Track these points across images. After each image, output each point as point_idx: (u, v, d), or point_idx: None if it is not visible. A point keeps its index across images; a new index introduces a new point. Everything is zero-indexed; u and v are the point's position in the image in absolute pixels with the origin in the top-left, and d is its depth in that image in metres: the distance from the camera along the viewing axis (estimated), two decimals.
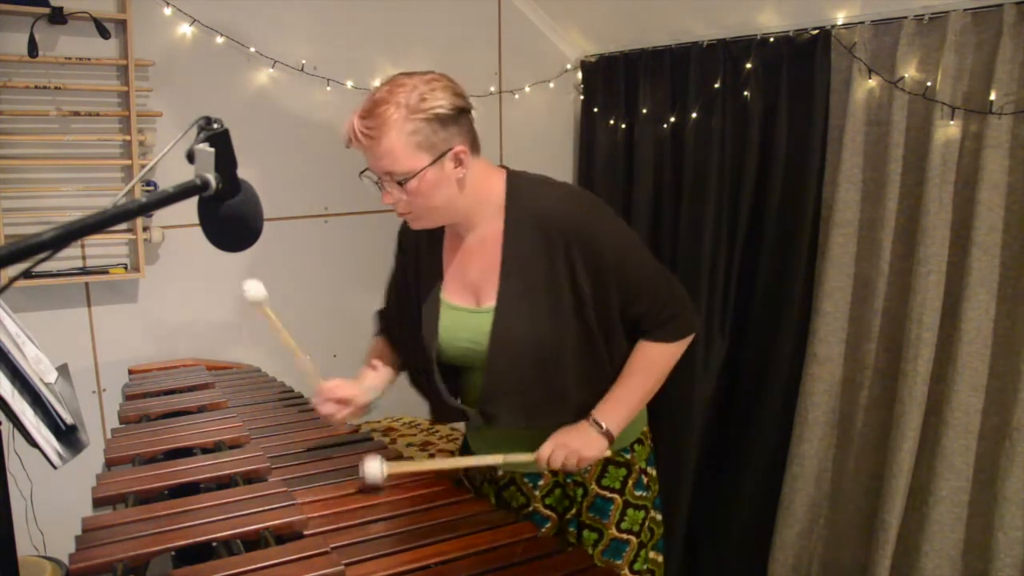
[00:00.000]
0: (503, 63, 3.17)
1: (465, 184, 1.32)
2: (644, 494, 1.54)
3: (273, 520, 1.28)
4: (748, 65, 2.43)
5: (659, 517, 1.59)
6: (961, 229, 1.99)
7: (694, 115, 2.63)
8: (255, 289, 1.35)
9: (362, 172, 1.33)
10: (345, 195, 2.93)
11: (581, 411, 1.42)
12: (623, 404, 1.43)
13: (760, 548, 2.53)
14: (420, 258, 1.50)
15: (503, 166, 1.42)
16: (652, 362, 1.44)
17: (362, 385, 1.47)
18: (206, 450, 1.67)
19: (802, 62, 2.30)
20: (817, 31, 2.25)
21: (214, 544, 1.24)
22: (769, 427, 2.49)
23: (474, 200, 1.35)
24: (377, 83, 2.88)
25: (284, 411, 1.96)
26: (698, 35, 2.62)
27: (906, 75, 2.03)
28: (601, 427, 1.40)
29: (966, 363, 1.96)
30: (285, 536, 1.26)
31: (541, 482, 1.51)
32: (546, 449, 1.39)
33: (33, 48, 2.24)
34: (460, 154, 1.28)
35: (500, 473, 1.54)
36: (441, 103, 1.25)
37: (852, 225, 2.24)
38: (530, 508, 1.53)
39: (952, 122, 1.94)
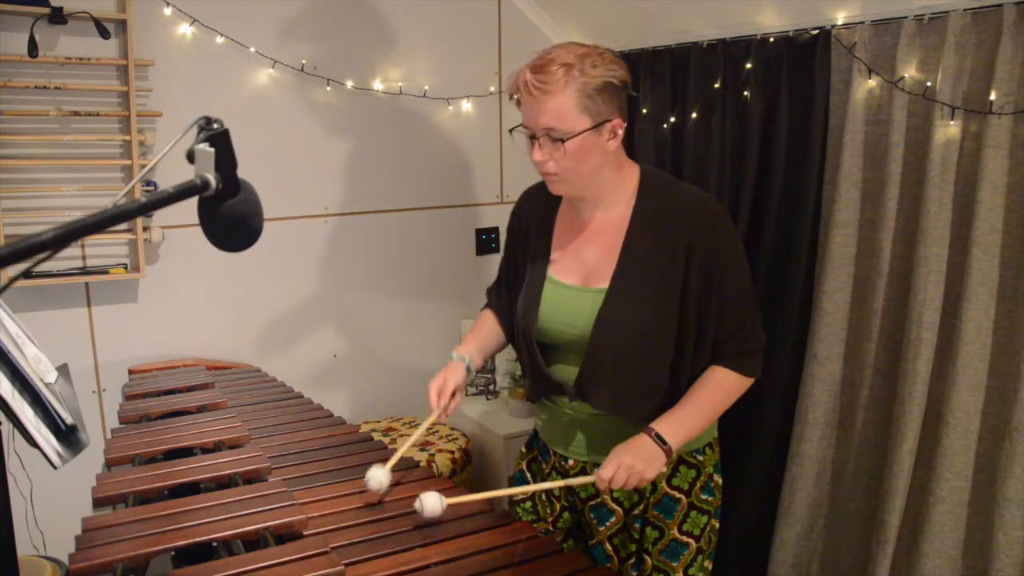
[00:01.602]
0: (503, 63, 3.17)
1: (613, 159, 1.38)
2: (709, 499, 1.55)
3: (273, 520, 1.28)
4: (748, 65, 2.42)
5: (717, 525, 1.59)
6: (961, 229, 1.99)
7: (694, 115, 2.63)
8: (376, 480, 1.43)
9: (513, 128, 1.39)
10: (345, 195, 2.94)
11: (658, 409, 1.43)
12: (688, 422, 1.42)
13: (760, 548, 2.53)
14: (530, 233, 1.54)
15: (638, 163, 1.48)
16: (724, 388, 1.46)
17: (453, 373, 1.52)
18: (206, 450, 1.67)
19: (802, 62, 2.30)
20: (817, 31, 2.24)
21: (214, 544, 1.24)
22: (769, 427, 2.49)
23: (614, 180, 1.41)
24: (377, 83, 2.91)
25: (284, 411, 1.96)
26: (698, 35, 2.62)
27: (906, 75, 2.03)
28: (664, 443, 1.38)
29: (966, 363, 1.96)
30: (285, 536, 1.26)
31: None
32: (608, 470, 1.35)
33: (33, 48, 2.24)
34: (617, 127, 1.34)
35: (571, 463, 1.55)
36: (613, 73, 1.31)
37: (852, 225, 2.24)
38: (598, 500, 1.54)
39: (952, 122, 1.94)
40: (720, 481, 1.59)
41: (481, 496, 1.42)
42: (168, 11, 2.50)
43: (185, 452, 1.65)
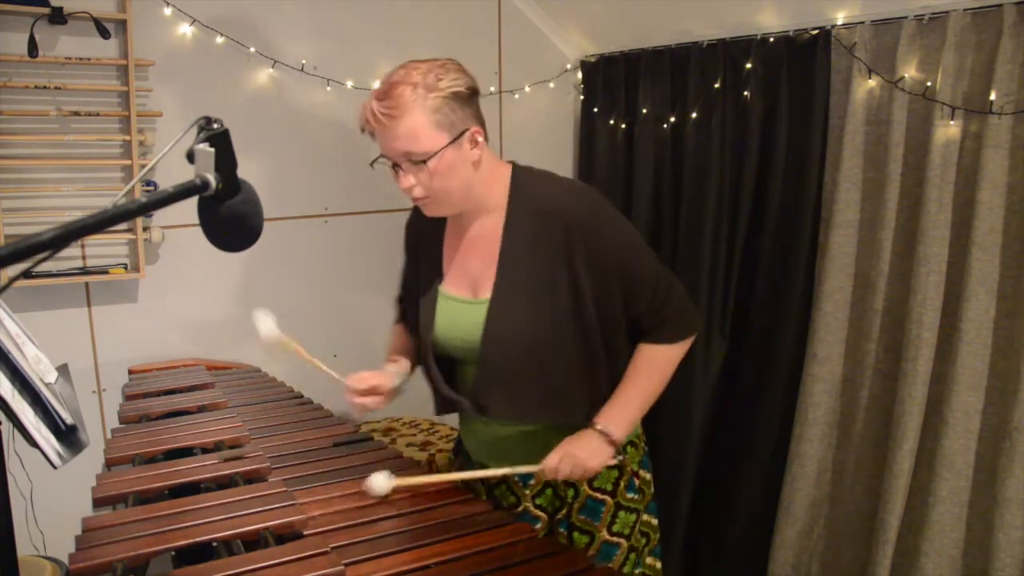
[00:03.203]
0: (503, 63, 3.17)
1: (480, 167, 1.34)
2: (636, 497, 1.53)
3: (273, 520, 1.28)
4: (748, 65, 2.43)
5: (654, 522, 1.58)
6: (961, 229, 1.99)
7: (694, 115, 2.63)
8: (266, 326, 1.40)
9: (374, 160, 1.35)
10: (345, 195, 2.94)
11: (581, 411, 1.41)
12: (627, 409, 1.41)
13: (760, 548, 2.53)
14: (421, 249, 1.50)
15: (510, 161, 1.42)
16: (654, 364, 1.43)
17: (386, 371, 1.48)
18: (206, 450, 1.67)
19: (802, 62, 2.30)
20: (817, 31, 2.24)
21: (214, 544, 1.24)
22: (769, 427, 2.49)
23: (485, 187, 1.36)
24: (377, 83, 2.90)
25: (284, 411, 1.96)
26: (698, 35, 2.62)
27: (906, 75, 2.03)
28: (606, 434, 1.38)
29: (966, 363, 1.96)
30: (285, 536, 1.26)
31: (532, 481, 1.50)
32: (552, 460, 1.37)
33: (33, 48, 2.24)
34: (476, 134, 1.30)
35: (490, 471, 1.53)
36: (458, 82, 1.27)
37: (852, 225, 2.24)
38: (520, 508, 1.52)
39: (952, 122, 1.94)
40: (648, 477, 1.56)
41: (429, 480, 1.46)
42: (168, 11, 2.50)
43: (185, 452, 1.65)
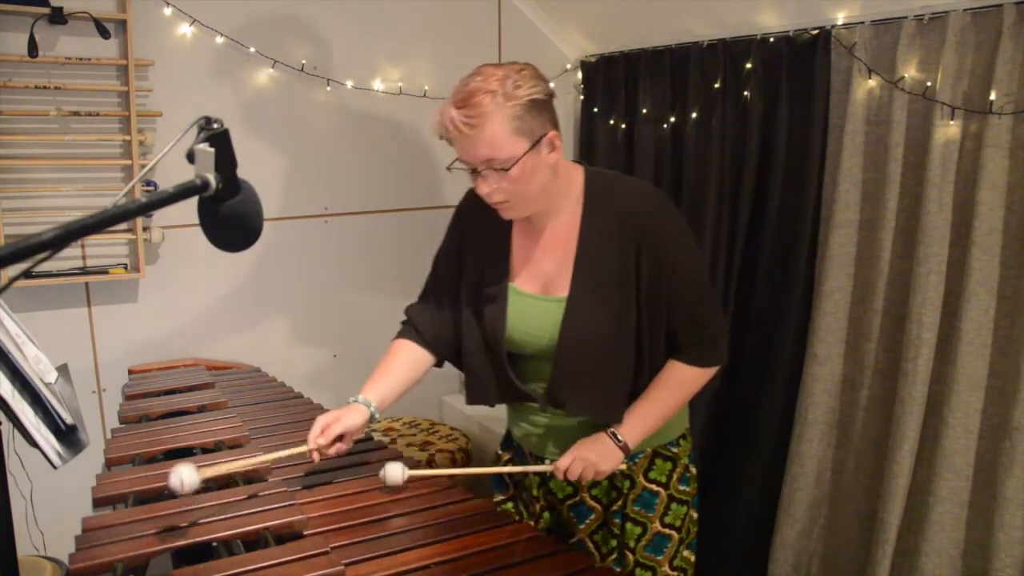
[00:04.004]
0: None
1: (557, 171, 1.36)
2: (687, 489, 1.56)
3: (273, 520, 1.29)
4: (748, 65, 2.42)
5: (695, 515, 1.60)
6: (961, 229, 1.99)
7: (694, 115, 2.63)
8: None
9: (451, 164, 1.35)
10: (345, 195, 2.94)
11: (622, 410, 1.43)
12: (645, 420, 1.44)
13: (760, 548, 2.53)
14: (477, 245, 1.51)
15: (579, 161, 1.45)
16: (683, 382, 1.46)
17: (349, 415, 1.42)
18: (206, 450, 1.67)
19: (802, 62, 2.30)
20: (817, 31, 2.24)
21: (214, 544, 1.24)
22: (769, 427, 2.49)
23: (561, 189, 1.39)
24: (377, 83, 2.91)
25: (284, 411, 1.96)
26: (698, 35, 2.62)
27: (906, 75, 2.03)
28: (620, 440, 1.42)
29: (966, 363, 1.96)
30: (285, 536, 1.26)
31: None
32: (565, 461, 1.41)
33: (33, 48, 2.24)
34: (554, 139, 1.32)
35: (547, 462, 1.53)
36: (535, 89, 1.28)
37: (852, 225, 2.24)
38: (577, 498, 1.54)
39: (952, 122, 1.94)
40: (695, 471, 1.59)
41: (444, 472, 1.48)
42: (168, 11, 2.50)
43: (185, 452, 1.65)
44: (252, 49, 2.65)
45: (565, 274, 1.40)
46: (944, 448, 2.01)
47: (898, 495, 2.09)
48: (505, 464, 1.67)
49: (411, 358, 1.54)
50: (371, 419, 1.46)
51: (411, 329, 1.56)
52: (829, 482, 2.40)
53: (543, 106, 1.30)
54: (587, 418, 1.45)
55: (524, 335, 1.44)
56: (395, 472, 1.43)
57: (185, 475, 1.26)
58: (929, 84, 1.99)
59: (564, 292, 1.40)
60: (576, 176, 1.42)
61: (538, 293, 1.43)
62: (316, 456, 1.40)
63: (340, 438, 1.41)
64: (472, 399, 1.55)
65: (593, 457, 1.40)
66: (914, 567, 2.10)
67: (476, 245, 1.51)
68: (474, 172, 1.32)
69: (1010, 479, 1.91)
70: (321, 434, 1.39)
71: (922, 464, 2.10)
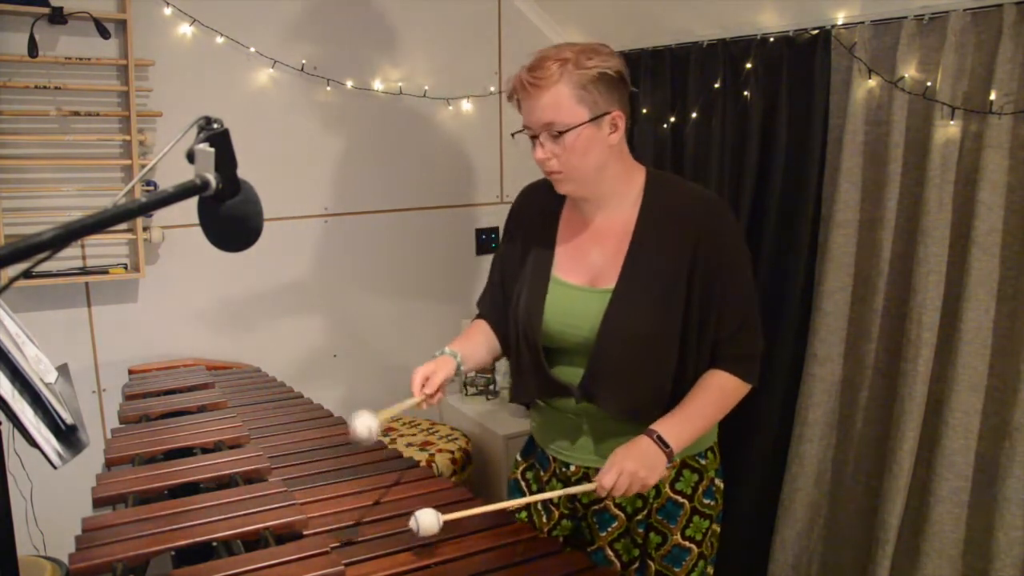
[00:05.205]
0: (503, 63, 3.17)
1: (617, 155, 1.37)
2: (711, 503, 1.53)
3: (273, 520, 1.29)
4: (748, 65, 2.42)
5: (719, 531, 1.57)
6: (961, 229, 1.99)
7: (694, 115, 2.63)
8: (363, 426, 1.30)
9: (516, 132, 1.39)
10: (345, 195, 2.94)
11: (658, 411, 1.41)
12: (689, 425, 1.39)
13: (760, 548, 2.53)
14: (532, 230, 1.52)
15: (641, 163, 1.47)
16: (724, 392, 1.44)
17: (443, 365, 1.42)
18: (206, 450, 1.67)
19: (802, 62, 2.30)
20: (817, 31, 2.24)
21: (214, 544, 1.24)
22: (769, 427, 2.49)
23: (620, 179, 1.40)
24: (377, 83, 2.91)
25: (284, 411, 1.96)
26: (698, 35, 2.62)
27: (906, 75, 2.03)
28: (667, 446, 1.34)
29: (966, 363, 1.96)
30: (285, 536, 1.26)
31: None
32: (610, 477, 1.30)
33: (33, 48, 2.24)
34: (617, 119, 1.34)
35: (573, 468, 1.52)
36: (608, 65, 1.31)
37: (852, 225, 2.24)
38: (601, 505, 1.52)
39: (952, 122, 1.94)
40: (722, 486, 1.57)
41: (479, 511, 1.32)
42: (168, 11, 2.50)
43: (185, 452, 1.65)
44: (252, 49, 2.65)
45: (614, 267, 1.40)
46: (944, 448, 2.01)
47: (898, 495, 2.09)
48: (524, 472, 1.64)
49: (490, 335, 1.58)
50: (457, 369, 1.45)
51: (485, 316, 1.61)
52: (829, 482, 2.40)
53: (612, 83, 1.32)
54: (619, 416, 1.42)
55: (563, 325, 1.43)
56: (429, 521, 1.23)
57: (371, 422, 1.28)
58: (929, 84, 1.99)
59: (610, 284, 1.40)
60: (638, 175, 1.44)
61: (583, 284, 1.44)
62: (425, 406, 1.40)
63: (440, 387, 1.42)
64: (514, 396, 1.57)
65: (642, 472, 1.30)
66: (914, 567, 2.10)
67: (523, 238, 1.53)
68: (534, 138, 1.35)
69: (1010, 479, 1.91)
70: (425, 383, 1.39)
71: (922, 464, 2.10)
